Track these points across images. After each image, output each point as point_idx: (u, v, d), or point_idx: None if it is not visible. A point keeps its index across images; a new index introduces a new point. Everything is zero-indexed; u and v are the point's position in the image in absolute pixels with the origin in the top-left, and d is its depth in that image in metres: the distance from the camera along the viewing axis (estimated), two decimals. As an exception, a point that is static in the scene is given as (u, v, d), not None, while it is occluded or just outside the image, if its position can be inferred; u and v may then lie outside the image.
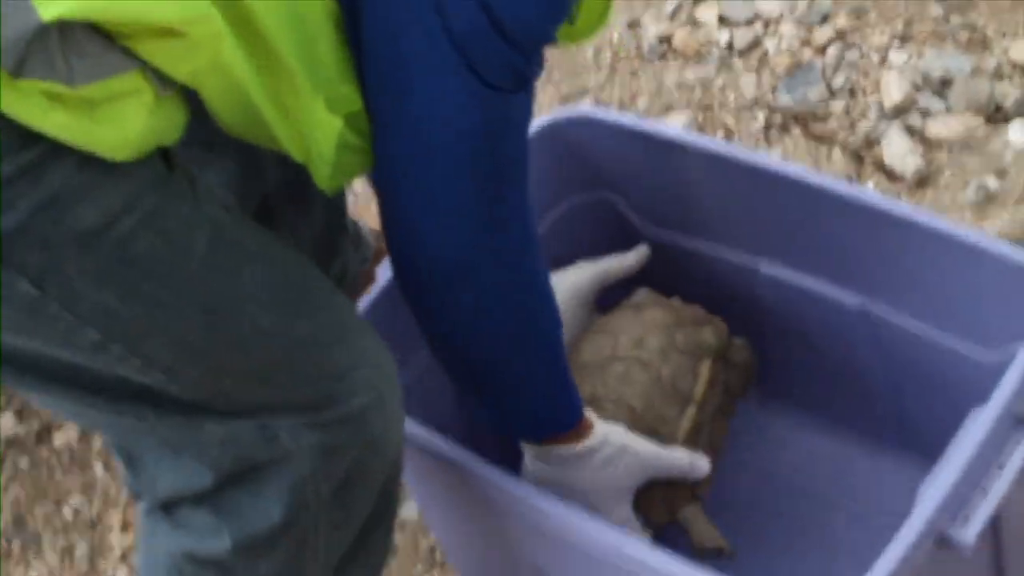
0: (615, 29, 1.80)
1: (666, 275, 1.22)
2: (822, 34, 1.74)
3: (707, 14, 1.81)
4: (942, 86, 1.67)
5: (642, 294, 1.17)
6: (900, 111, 1.63)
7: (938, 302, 1.10)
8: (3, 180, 0.71)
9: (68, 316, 0.76)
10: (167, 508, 0.92)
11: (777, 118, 1.67)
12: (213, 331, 0.82)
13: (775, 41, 1.75)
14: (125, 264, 0.77)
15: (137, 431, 0.88)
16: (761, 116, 1.68)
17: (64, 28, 0.69)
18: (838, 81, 1.69)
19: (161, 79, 0.75)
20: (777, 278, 1.19)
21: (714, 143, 1.34)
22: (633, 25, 1.81)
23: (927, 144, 1.61)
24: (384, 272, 1.10)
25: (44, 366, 0.80)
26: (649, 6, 1.82)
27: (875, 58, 1.72)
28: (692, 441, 1.07)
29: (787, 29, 1.76)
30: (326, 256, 1.22)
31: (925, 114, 1.63)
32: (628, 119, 1.25)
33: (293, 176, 1.04)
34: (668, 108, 1.72)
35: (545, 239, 1.05)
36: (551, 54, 1.76)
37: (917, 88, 1.66)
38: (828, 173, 1.58)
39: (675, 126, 1.63)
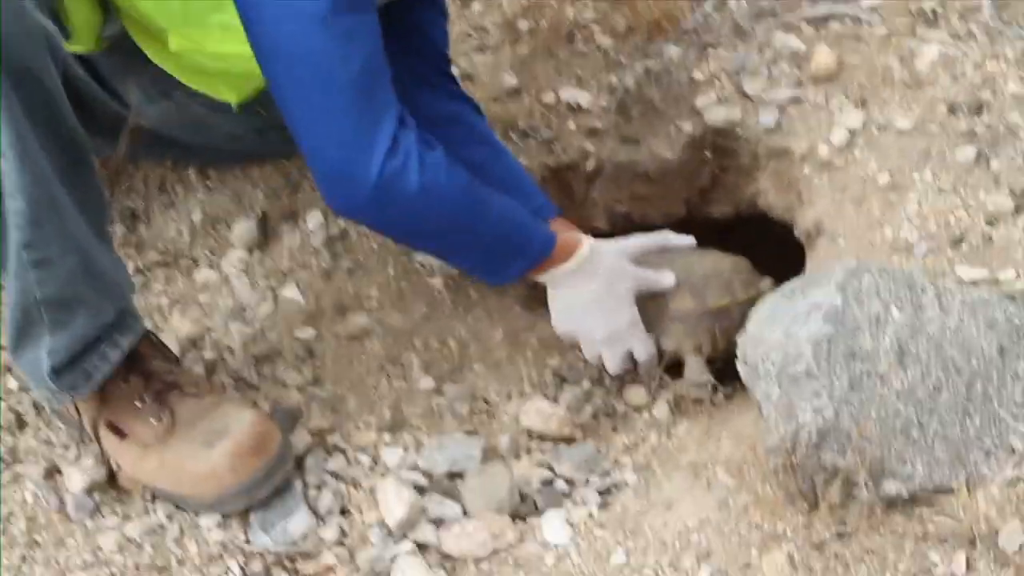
0: (26, 486, 1.35)
1: None
2: (297, 440, 1.39)
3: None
4: (451, 480, 1.36)
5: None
6: (407, 525, 1.29)
7: None
8: None
9: None
10: None
11: (257, 564, 1.28)
12: None
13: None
14: None
15: None
16: (236, 565, 1.28)
17: None
18: (325, 501, 1.33)
19: None
20: None
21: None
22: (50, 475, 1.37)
23: (449, 562, 1.28)
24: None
25: None
26: (66, 455, 1.39)
27: (365, 461, 1.39)
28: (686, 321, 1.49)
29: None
30: None
31: (438, 523, 1.31)
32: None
33: None
34: (112, 573, 1.28)
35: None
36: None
37: (422, 491, 1.33)
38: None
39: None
